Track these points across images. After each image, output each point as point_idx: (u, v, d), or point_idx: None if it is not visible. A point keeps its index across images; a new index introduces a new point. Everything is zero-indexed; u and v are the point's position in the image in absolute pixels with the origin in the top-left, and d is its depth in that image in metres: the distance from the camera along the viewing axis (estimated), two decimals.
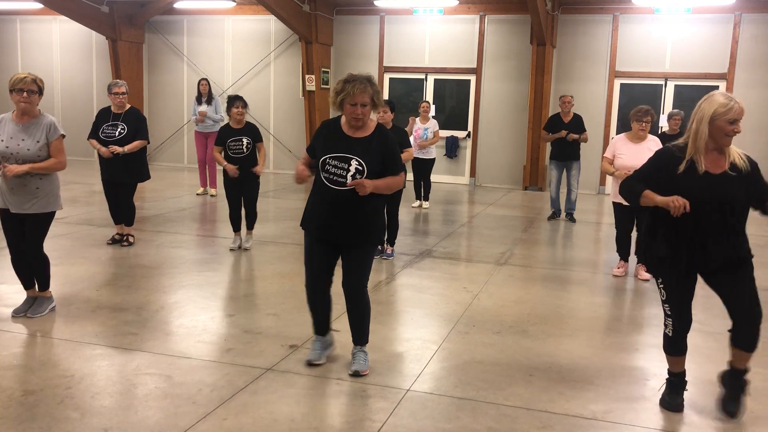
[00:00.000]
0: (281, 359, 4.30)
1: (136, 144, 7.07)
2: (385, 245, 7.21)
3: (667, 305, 3.69)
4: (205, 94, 11.46)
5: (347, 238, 3.94)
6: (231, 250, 7.32)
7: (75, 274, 6.19)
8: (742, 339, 3.58)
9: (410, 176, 9.83)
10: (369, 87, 3.81)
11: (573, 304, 5.80)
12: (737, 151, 3.54)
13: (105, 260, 6.77)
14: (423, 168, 10.75)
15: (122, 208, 7.32)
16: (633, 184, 3.66)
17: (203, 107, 11.39)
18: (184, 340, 4.62)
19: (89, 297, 5.53)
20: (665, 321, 3.73)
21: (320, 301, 4.17)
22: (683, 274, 3.60)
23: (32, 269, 4.98)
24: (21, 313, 4.96)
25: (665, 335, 3.75)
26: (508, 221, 9.89)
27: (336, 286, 4.17)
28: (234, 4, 14.53)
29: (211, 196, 11.21)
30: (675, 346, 3.73)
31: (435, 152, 10.98)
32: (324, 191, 3.90)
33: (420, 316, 5.36)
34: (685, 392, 3.82)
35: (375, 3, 13.60)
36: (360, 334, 4.15)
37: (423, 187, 10.86)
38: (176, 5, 14.67)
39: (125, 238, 7.37)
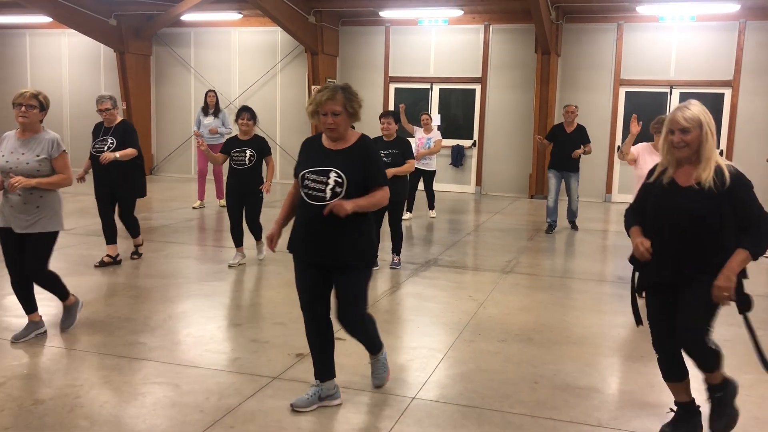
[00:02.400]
0: (288, 368, 4.33)
1: (126, 152, 6.79)
2: (392, 255, 7.26)
3: (648, 320, 3.51)
4: (212, 106, 11.41)
5: (334, 258, 3.61)
6: (230, 266, 7.08)
7: (84, 285, 6.25)
8: (694, 363, 3.37)
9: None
10: (339, 94, 3.56)
11: (578, 312, 5.81)
12: (720, 166, 3.22)
13: (113, 271, 6.83)
14: (424, 179, 10.55)
15: (125, 222, 7.17)
16: (628, 217, 3.53)
17: (209, 119, 11.38)
18: (191, 349, 4.66)
19: (98, 307, 5.58)
20: None
21: (315, 334, 3.77)
22: (653, 289, 3.42)
23: (45, 289, 4.86)
24: (21, 338, 4.73)
25: None
26: (514, 230, 9.90)
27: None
28: (240, 16, 14.67)
29: (221, 206, 11.19)
30: (661, 367, 3.49)
31: (435, 164, 10.73)
32: (305, 208, 3.62)
33: (425, 325, 5.39)
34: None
35: (380, 14, 13.70)
36: (371, 347, 3.97)
37: (427, 198, 10.74)
38: (183, 18, 14.81)
39: (135, 250, 7.33)
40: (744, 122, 12.57)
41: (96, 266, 6.96)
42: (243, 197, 7.05)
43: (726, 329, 5.35)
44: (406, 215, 10.38)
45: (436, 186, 10.99)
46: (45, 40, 16.50)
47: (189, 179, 15.42)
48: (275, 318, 5.42)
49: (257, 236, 7.32)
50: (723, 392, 3.46)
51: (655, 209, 3.33)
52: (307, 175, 3.60)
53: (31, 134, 4.70)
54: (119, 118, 7.01)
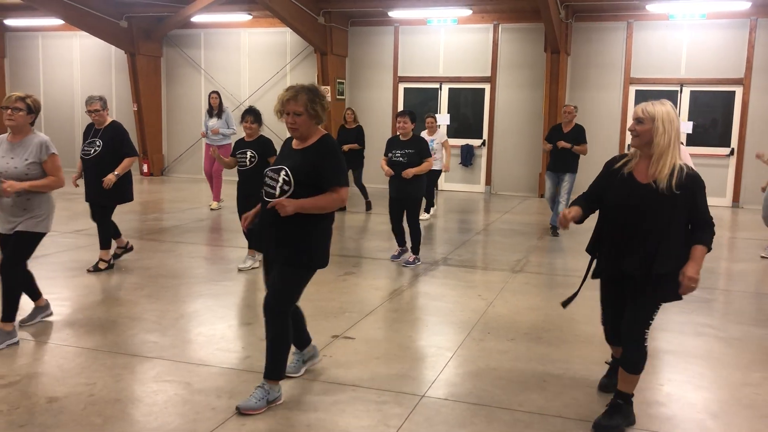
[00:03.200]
0: None
1: (124, 165, 6.59)
2: (408, 253, 7.31)
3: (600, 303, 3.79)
4: (215, 107, 11.29)
5: (274, 253, 3.70)
6: (239, 270, 6.91)
7: (96, 284, 6.32)
8: (621, 358, 3.60)
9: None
10: (302, 95, 3.58)
11: (587, 310, 5.78)
12: (676, 166, 3.33)
13: (125, 270, 6.89)
14: (429, 179, 10.32)
15: (99, 230, 6.80)
16: (574, 202, 3.69)
17: (213, 120, 11.26)
18: (203, 348, 4.70)
19: (110, 306, 5.64)
20: None
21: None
22: (606, 276, 3.63)
23: (6, 288, 4.67)
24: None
25: None
26: (524, 229, 9.90)
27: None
28: (250, 17, 14.74)
29: (212, 209, 10.99)
30: (606, 337, 3.83)
31: (439, 164, 10.31)
32: (262, 206, 3.74)
33: (435, 324, 5.41)
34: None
35: (389, 14, 13.72)
36: (267, 366, 3.75)
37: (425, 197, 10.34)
38: (193, 19, 14.90)
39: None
40: (755, 120, 12.49)
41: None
42: (246, 199, 6.81)
43: (735, 328, 5.35)
44: (424, 215, 10.22)
45: (446, 186, 10.96)
46: (57, 42, 16.65)
47: (199, 180, 15.49)
48: None
49: (250, 243, 6.93)
50: (624, 403, 3.59)
51: (611, 201, 3.46)
52: (267, 173, 3.70)
53: (20, 137, 4.71)
54: (109, 120, 6.77)
